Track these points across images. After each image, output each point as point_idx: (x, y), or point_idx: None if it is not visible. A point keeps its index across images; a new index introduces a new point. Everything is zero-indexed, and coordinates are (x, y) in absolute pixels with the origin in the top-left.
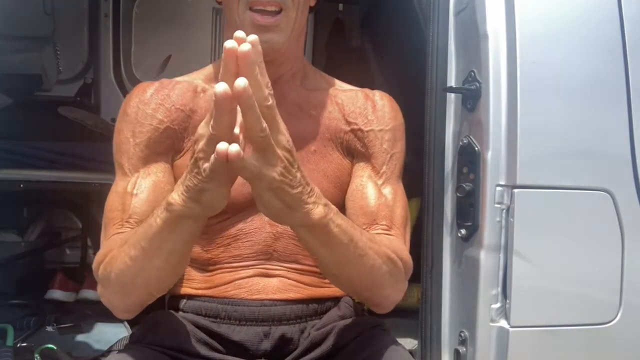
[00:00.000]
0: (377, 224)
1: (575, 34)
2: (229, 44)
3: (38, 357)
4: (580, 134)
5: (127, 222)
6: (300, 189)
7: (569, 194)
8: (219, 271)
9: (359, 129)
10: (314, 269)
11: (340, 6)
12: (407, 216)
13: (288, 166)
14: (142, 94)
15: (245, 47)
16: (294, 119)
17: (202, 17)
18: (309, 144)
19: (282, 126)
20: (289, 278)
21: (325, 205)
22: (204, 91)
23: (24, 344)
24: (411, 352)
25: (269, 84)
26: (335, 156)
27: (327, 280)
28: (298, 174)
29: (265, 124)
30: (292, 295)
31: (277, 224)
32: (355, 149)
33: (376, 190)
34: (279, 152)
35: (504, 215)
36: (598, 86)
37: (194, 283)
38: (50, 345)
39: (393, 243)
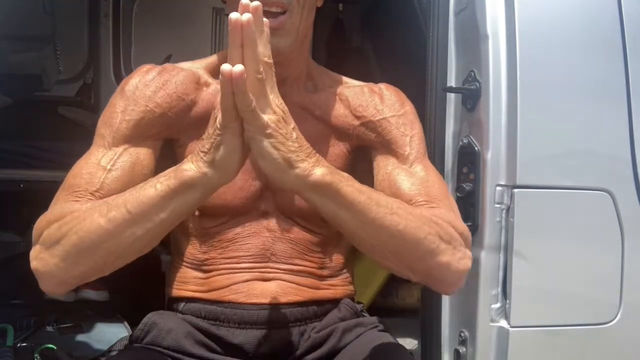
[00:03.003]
0: (413, 203)
1: (575, 34)
2: (233, 15)
3: (38, 357)
4: (580, 134)
5: (91, 194)
6: (296, 144)
7: (569, 194)
8: (215, 272)
9: (369, 121)
10: (313, 270)
11: (340, 6)
12: (446, 188)
13: (282, 120)
14: (144, 75)
15: (246, 16)
16: (298, 121)
17: (202, 17)
18: (314, 145)
19: (272, 99)
20: (287, 281)
21: (329, 168)
22: (207, 85)
23: (24, 344)
24: (411, 352)
25: (270, 57)
26: (342, 154)
27: (326, 282)
28: (294, 133)
29: (252, 99)
30: (291, 298)
31: (275, 230)
32: (370, 141)
33: (405, 174)
34: (274, 106)
35: (504, 215)
36: (598, 86)
37: (191, 285)
38: (50, 345)
39: (434, 211)
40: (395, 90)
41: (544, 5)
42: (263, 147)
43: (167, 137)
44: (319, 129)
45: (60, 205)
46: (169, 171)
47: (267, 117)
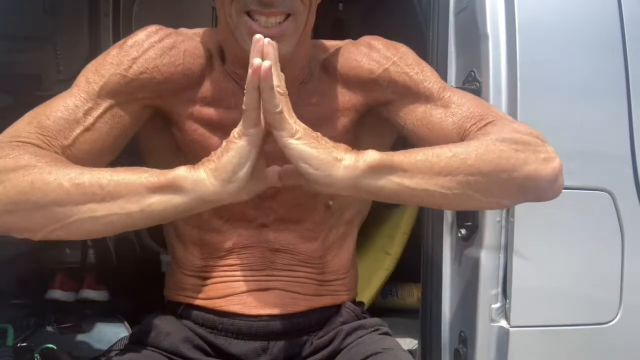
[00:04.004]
0: (464, 132)
1: (575, 34)
2: (256, 61)
3: (38, 357)
4: (580, 134)
5: (61, 148)
6: (331, 143)
7: (569, 194)
8: (213, 280)
9: (371, 80)
10: (314, 276)
11: (340, 6)
12: (485, 102)
13: (307, 128)
14: (152, 35)
15: (266, 63)
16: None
17: (202, 17)
18: (316, 130)
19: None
20: (287, 290)
21: (372, 149)
22: (214, 68)
23: (24, 344)
24: (411, 352)
25: (283, 87)
26: (346, 130)
27: (328, 287)
28: (324, 137)
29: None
30: (291, 309)
31: (274, 241)
32: (380, 99)
33: (440, 109)
34: (296, 118)
35: (503, 215)
36: (598, 86)
37: (189, 292)
38: (50, 345)
39: (488, 128)
40: (381, 39)
41: (544, 6)
42: (301, 149)
43: (157, 107)
44: (319, 116)
45: (23, 149)
46: (165, 170)
47: (294, 124)
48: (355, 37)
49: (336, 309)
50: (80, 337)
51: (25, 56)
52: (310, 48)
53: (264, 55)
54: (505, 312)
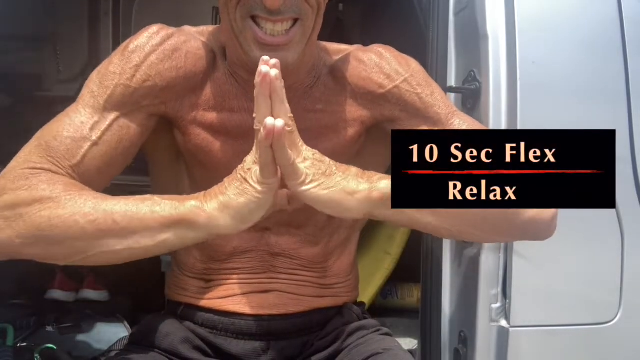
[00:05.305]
0: None
1: (575, 34)
2: (264, 68)
3: (38, 357)
4: None
5: (71, 167)
6: (340, 173)
7: None
8: (214, 283)
9: (380, 95)
10: (316, 279)
11: (341, 6)
12: None
13: (316, 162)
14: (154, 37)
15: (274, 72)
16: (298, 122)
17: (202, 17)
18: (320, 142)
19: (300, 146)
20: (287, 292)
21: (384, 176)
22: (216, 69)
23: (24, 344)
24: (411, 352)
25: (290, 111)
26: (352, 140)
27: (330, 290)
28: (333, 166)
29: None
30: (291, 309)
31: (275, 245)
32: (387, 116)
33: None
34: (304, 153)
35: None
36: (598, 86)
37: (189, 292)
38: (50, 345)
39: None
40: (392, 50)
41: (543, 6)
42: (312, 194)
43: (162, 113)
44: (324, 121)
45: (37, 177)
46: (174, 199)
47: (303, 167)
48: (355, 37)
49: (337, 309)
50: (80, 337)
51: (25, 56)
52: (316, 51)
53: (271, 91)
54: (505, 312)
